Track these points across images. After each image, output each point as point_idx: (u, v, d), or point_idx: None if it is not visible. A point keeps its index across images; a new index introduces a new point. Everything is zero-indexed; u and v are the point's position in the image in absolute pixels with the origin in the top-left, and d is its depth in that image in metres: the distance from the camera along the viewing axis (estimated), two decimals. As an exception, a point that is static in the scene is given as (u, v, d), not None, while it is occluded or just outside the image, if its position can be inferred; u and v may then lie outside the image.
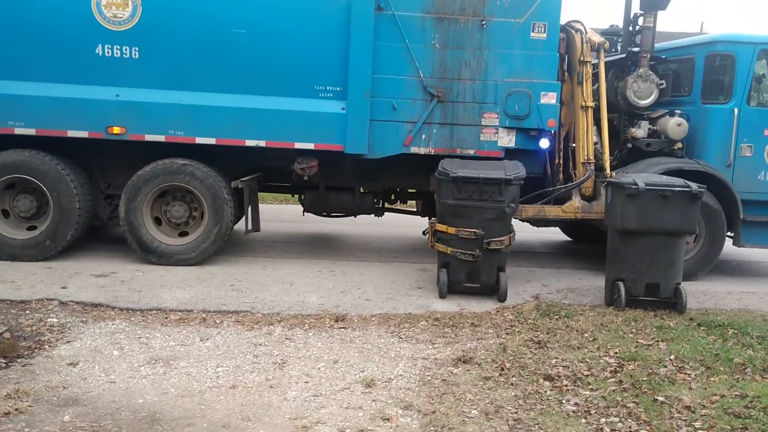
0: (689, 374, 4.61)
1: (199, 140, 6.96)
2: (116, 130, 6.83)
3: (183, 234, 7.29)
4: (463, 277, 6.39)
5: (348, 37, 6.94)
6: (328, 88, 7.08)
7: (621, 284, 6.21)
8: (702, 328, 5.69)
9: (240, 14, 6.85)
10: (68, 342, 4.75)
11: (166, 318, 5.42)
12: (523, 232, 9.72)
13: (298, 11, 6.93)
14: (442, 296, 6.35)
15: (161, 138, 6.90)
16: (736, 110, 7.51)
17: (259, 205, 8.00)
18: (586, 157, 7.54)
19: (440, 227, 6.43)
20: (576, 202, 7.59)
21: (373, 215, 8.37)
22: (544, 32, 7.19)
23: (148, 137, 6.90)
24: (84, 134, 6.84)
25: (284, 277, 6.87)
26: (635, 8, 7.89)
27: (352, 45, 6.94)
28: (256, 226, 7.74)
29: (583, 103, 7.51)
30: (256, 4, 6.87)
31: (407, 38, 7.08)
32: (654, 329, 5.59)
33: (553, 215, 7.61)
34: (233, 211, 7.22)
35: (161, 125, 6.88)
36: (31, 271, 6.56)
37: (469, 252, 6.26)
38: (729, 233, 7.76)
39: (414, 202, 8.80)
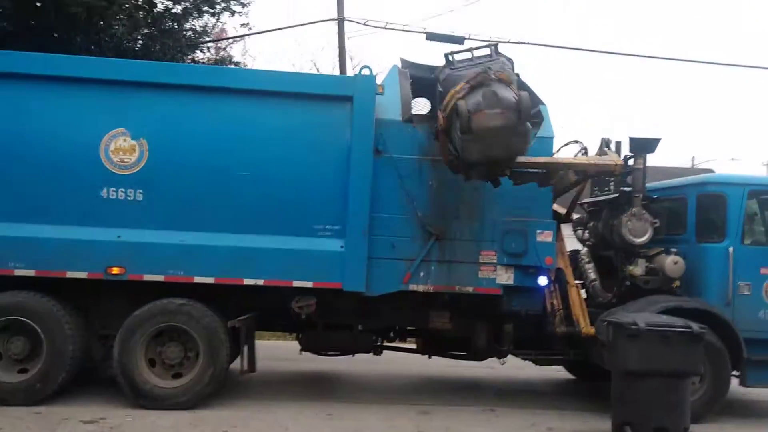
0: None
1: (197, 279, 6.97)
2: (115, 270, 6.86)
3: (177, 375, 7.11)
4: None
5: (347, 178, 7.14)
6: (327, 226, 7.19)
7: (628, 429, 6.01)
8: (715, 477, 5.44)
9: (244, 157, 7.09)
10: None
11: (154, 469, 5.17)
12: (527, 368, 9.54)
13: (300, 153, 7.18)
14: None
15: (160, 278, 6.91)
16: (731, 249, 7.59)
17: (256, 341, 7.88)
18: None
19: None
20: None
21: (371, 353, 8.22)
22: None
23: (147, 277, 6.91)
24: (83, 275, 6.86)
25: (279, 421, 6.63)
26: (625, 150, 8.17)
27: (351, 186, 7.13)
28: (252, 366, 7.56)
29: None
30: (261, 148, 7.12)
31: (405, 179, 7.30)
32: (665, 480, 5.34)
33: None
34: (229, 352, 7.09)
35: (161, 265, 6.92)
36: (18, 416, 6.35)
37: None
38: (735, 373, 7.59)
39: (413, 339, 8.67)
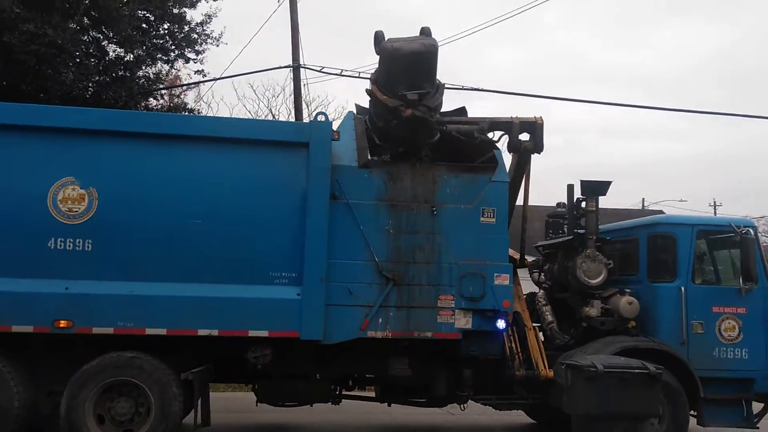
0: None
1: (149, 331, 6.75)
2: (63, 323, 6.60)
3: (127, 432, 6.82)
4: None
5: (304, 224, 7.07)
6: (283, 274, 7.07)
7: (590, 473, 5.95)
8: None
9: (198, 205, 6.97)
10: None
11: None
12: (487, 413, 9.46)
13: (256, 201, 7.09)
14: None
15: (109, 330, 6.67)
16: (682, 288, 7.74)
17: (210, 393, 7.63)
18: None
19: None
20: None
21: (330, 403, 8.04)
22: (494, 217, 7.48)
23: (96, 330, 6.66)
24: (29, 329, 6.59)
25: (235, 477, 6.39)
26: (578, 193, 8.33)
27: (308, 232, 7.05)
28: (206, 420, 7.29)
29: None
30: (215, 195, 7.02)
31: (362, 224, 7.27)
32: None
33: None
34: (182, 405, 6.84)
35: (110, 317, 6.68)
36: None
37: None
38: (692, 412, 7.65)
39: (372, 387, 8.52)
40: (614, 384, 5.98)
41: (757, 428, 7.83)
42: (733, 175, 74.67)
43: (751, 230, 7.87)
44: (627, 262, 8.32)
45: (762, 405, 7.93)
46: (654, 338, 7.69)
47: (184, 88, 19.64)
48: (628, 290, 7.90)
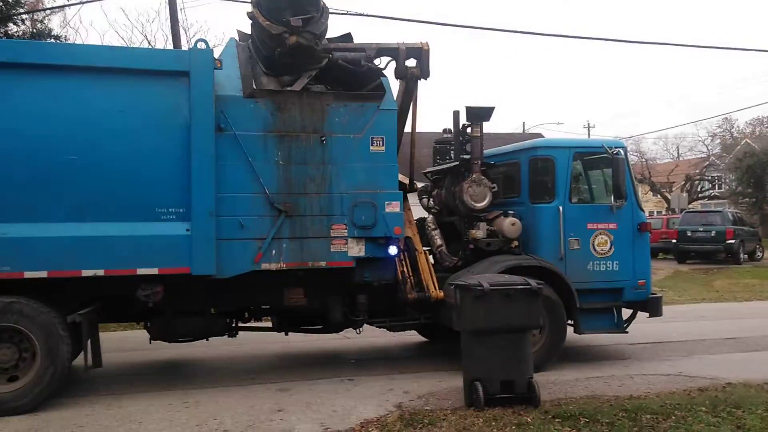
0: (550, 472, 4.71)
1: (28, 274, 6.42)
2: (-72, 271, 6.15)
3: (13, 378, 6.54)
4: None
5: (189, 157, 6.85)
6: (170, 209, 6.87)
7: (478, 384, 6.33)
8: (557, 420, 5.89)
9: (74, 140, 6.57)
10: None
11: (-9, 483, 4.76)
12: (382, 336, 9.80)
13: (137, 134, 6.78)
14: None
15: (-19, 276, 6.29)
16: (560, 208, 8.19)
17: (101, 335, 7.43)
18: None
19: None
20: None
21: (226, 336, 8.04)
22: (383, 145, 7.54)
23: (-33, 276, 6.27)
24: None
25: (131, 415, 6.33)
26: (463, 119, 8.52)
27: (194, 166, 6.85)
28: (98, 360, 7.13)
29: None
30: (92, 129, 6.63)
31: (250, 156, 7.12)
32: (514, 427, 5.73)
33: None
34: (70, 348, 6.64)
35: (-19, 262, 6.29)
36: None
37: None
38: (569, 322, 8.25)
39: (269, 317, 8.58)
40: (499, 300, 6.31)
41: (626, 332, 8.58)
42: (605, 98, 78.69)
43: (621, 151, 8.37)
44: (510, 185, 8.68)
45: (630, 311, 8.67)
46: (535, 256, 8.15)
47: (48, 12, 18.10)
48: (511, 212, 8.28)
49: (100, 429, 5.94)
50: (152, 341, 7.86)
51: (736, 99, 62.89)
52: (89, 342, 6.92)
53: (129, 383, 7.66)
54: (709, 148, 50.78)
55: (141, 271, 6.75)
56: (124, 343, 10.07)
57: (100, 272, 6.62)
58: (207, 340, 8.18)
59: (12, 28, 15.11)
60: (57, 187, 6.53)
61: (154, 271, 6.78)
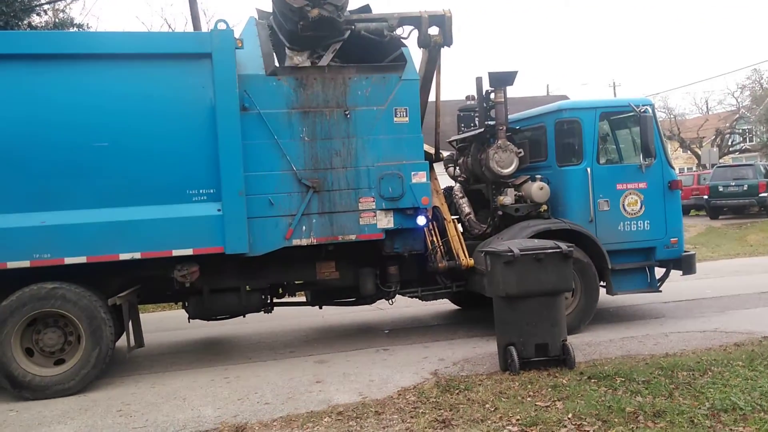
0: (588, 431, 4.77)
1: (68, 260, 6.60)
2: (-26, 261, 6.36)
3: (59, 362, 6.77)
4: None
5: (216, 138, 6.93)
6: (201, 191, 6.99)
7: (512, 348, 6.39)
8: (593, 380, 5.93)
9: (103, 127, 6.69)
10: None
11: (48, 461, 4.97)
12: (414, 305, 9.89)
13: (163, 118, 6.87)
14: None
15: (26, 264, 6.47)
16: (588, 169, 8.14)
17: (141, 316, 7.64)
18: None
19: None
20: None
21: (262, 312, 8.20)
22: (407, 116, 7.54)
23: (11, 264, 6.45)
24: (-60, 268, 6.32)
25: (175, 392, 6.53)
26: (486, 85, 8.46)
27: (221, 146, 6.93)
28: (140, 341, 7.35)
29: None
30: (119, 115, 6.74)
31: (276, 134, 7.19)
32: (549, 389, 5.77)
33: None
34: (113, 330, 6.83)
35: (25, 250, 6.47)
36: None
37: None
38: (601, 283, 8.25)
39: (303, 292, 8.72)
40: (530, 265, 6.32)
41: (660, 291, 8.56)
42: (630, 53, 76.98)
43: (649, 108, 8.27)
44: (536, 149, 8.62)
45: (663, 270, 8.63)
46: (565, 219, 8.13)
47: (68, 1, 18.25)
48: (539, 176, 8.25)
49: (146, 406, 6.13)
50: (190, 320, 8.04)
51: (765, 49, 61.18)
52: (130, 323, 7.13)
53: (171, 362, 7.87)
54: (739, 100, 49.60)
55: (176, 252, 6.89)
56: (164, 323, 10.32)
57: (137, 255, 6.78)
58: (243, 317, 8.36)
59: (35, 19, 15.29)
60: (90, 174, 6.67)
61: (189, 251, 6.92)
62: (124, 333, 7.13)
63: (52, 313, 6.68)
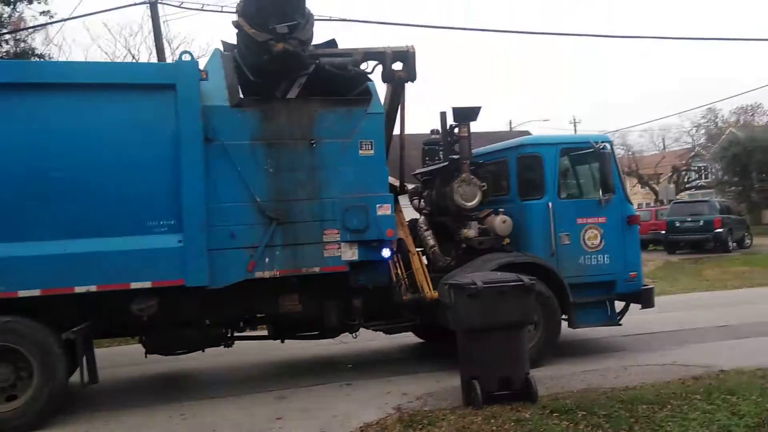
0: (551, 466, 4.75)
1: (21, 293, 6.41)
2: None
3: (11, 398, 6.52)
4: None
5: (178, 169, 6.87)
6: (162, 222, 6.88)
7: (476, 382, 6.36)
8: (555, 414, 5.93)
9: (62, 157, 6.58)
10: None
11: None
12: (378, 339, 9.81)
13: (125, 148, 6.79)
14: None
15: (-25, 297, 6.27)
16: (550, 204, 8.25)
17: (96, 351, 7.41)
18: None
19: None
20: None
21: (222, 346, 8.03)
22: (372, 149, 7.58)
23: (-39, 298, 6.24)
24: None
25: (130, 429, 6.34)
26: (450, 120, 8.57)
27: (183, 177, 6.87)
28: (94, 377, 7.08)
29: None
30: (80, 145, 6.64)
31: (239, 165, 7.14)
32: (512, 424, 5.75)
33: None
34: (66, 366, 6.62)
35: (-26, 283, 6.27)
36: None
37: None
38: (564, 317, 8.30)
39: (264, 326, 8.56)
40: (493, 297, 6.34)
41: (620, 324, 8.65)
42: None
43: (607, 145, 8.45)
44: (499, 183, 8.74)
45: (623, 304, 8.73)
46: (527, 252, 8.20)
47: (30, 31, 18.02)
48: (502, 210, 8.33)
49: (100, 445, 5.93)
50: (148, 355, 7.83)
51: (720, 89, 63.50)
52: (85, 358, 6.90)
53: (126, 398, 7.64)
54: (694, 138, 51.14)
55: (134, 285, 6.75)
56: (120, 358, 10.03)
57: (93, 288, 6.62)
58: (203, 351, 8.17)
59: (-3, 48, 15.11)
60: (46, 204, 6.53)
61: (148, 284, 6.78)
62: (78, 368, 6.90)
63: (3, 348, 6.45)
